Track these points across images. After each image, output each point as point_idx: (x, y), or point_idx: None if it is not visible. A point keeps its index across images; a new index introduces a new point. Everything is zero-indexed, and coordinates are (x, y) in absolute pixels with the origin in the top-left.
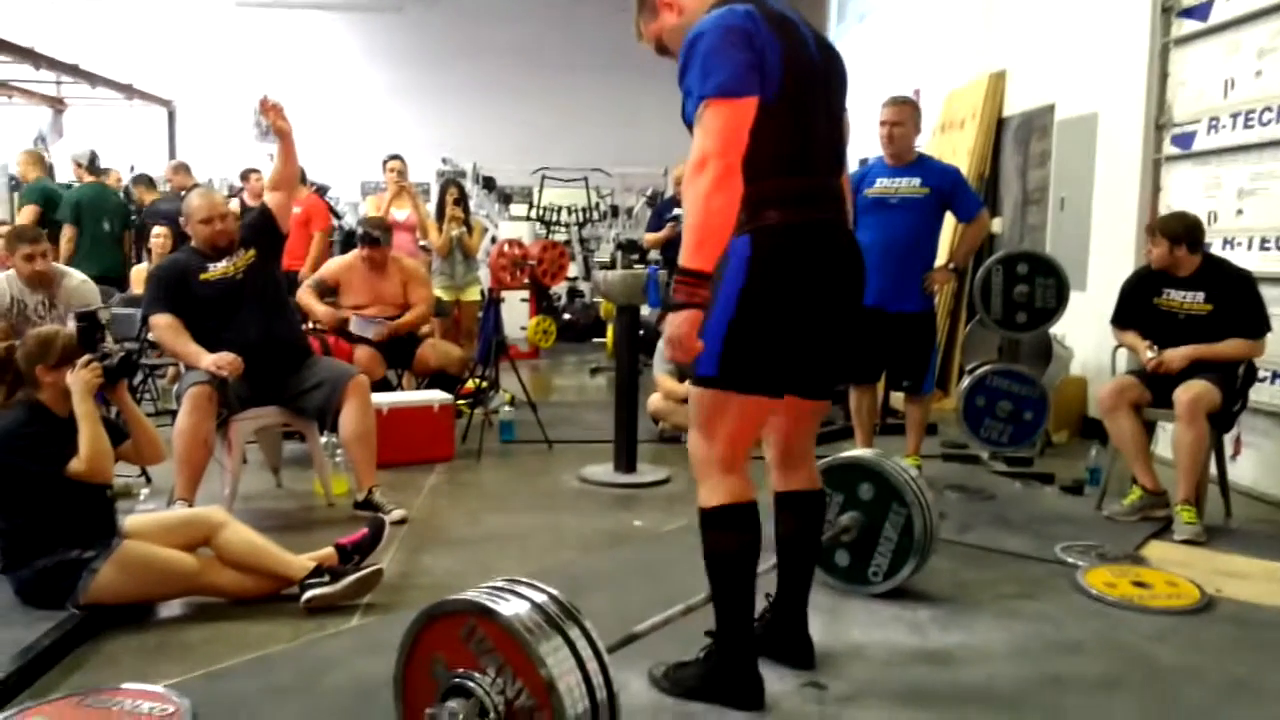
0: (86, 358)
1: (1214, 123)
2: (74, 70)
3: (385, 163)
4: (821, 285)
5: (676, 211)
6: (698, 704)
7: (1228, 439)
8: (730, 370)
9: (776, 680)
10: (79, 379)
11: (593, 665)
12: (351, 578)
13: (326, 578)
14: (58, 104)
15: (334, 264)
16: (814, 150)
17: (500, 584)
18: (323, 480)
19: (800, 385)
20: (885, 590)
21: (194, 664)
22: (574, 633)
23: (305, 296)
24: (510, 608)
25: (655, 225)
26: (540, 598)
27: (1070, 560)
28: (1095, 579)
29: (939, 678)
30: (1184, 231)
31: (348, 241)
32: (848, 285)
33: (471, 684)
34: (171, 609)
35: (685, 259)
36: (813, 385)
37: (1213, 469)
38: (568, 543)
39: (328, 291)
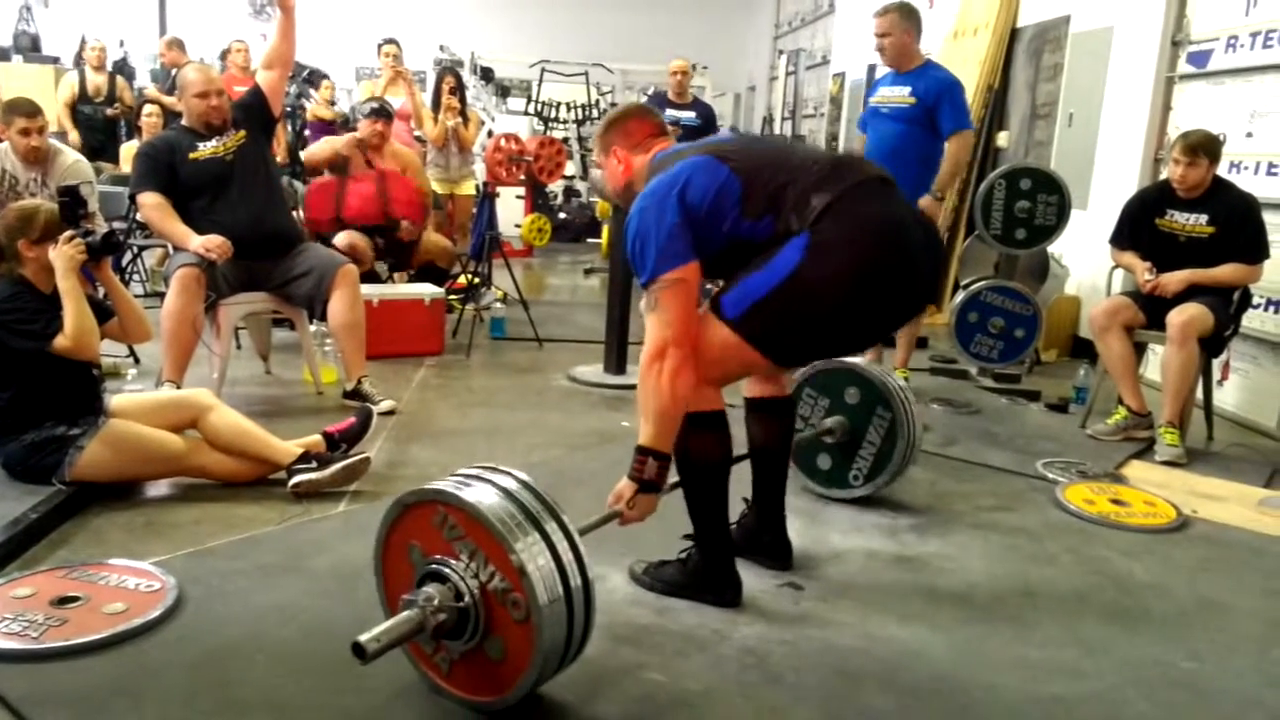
0: (69, 233)
1: (1233, 41)
2: None
3: (380, 47)
4: (887, 258)
5: (670, 114)
6: (676, 600)
7: (1216, 364)
8: (750, 325)
9: (754, 580)
10: (62, 254)
11: (563, 545)
12: (338, 465)
13: (314, 464)
14: None
15: (336, 140)
16: (804, 153)
17: (471, 471)
18: (311, 368)
19: (825, 356)
20: (864, 494)
21: (180, 543)
22: (542, 515)
23: (325, 147)
24: (478, 494)
25: None
26: (510, 483)
27: (1051, 476)
28: (1074, 495)
29: (914, 582)
30: (1218, 149)
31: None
32: (917, 253)
33: (446, 569)
34: (159, 489)
35: (654, 441)
36: (839, 354)
37: (1199, 393)
38: (554, 440)
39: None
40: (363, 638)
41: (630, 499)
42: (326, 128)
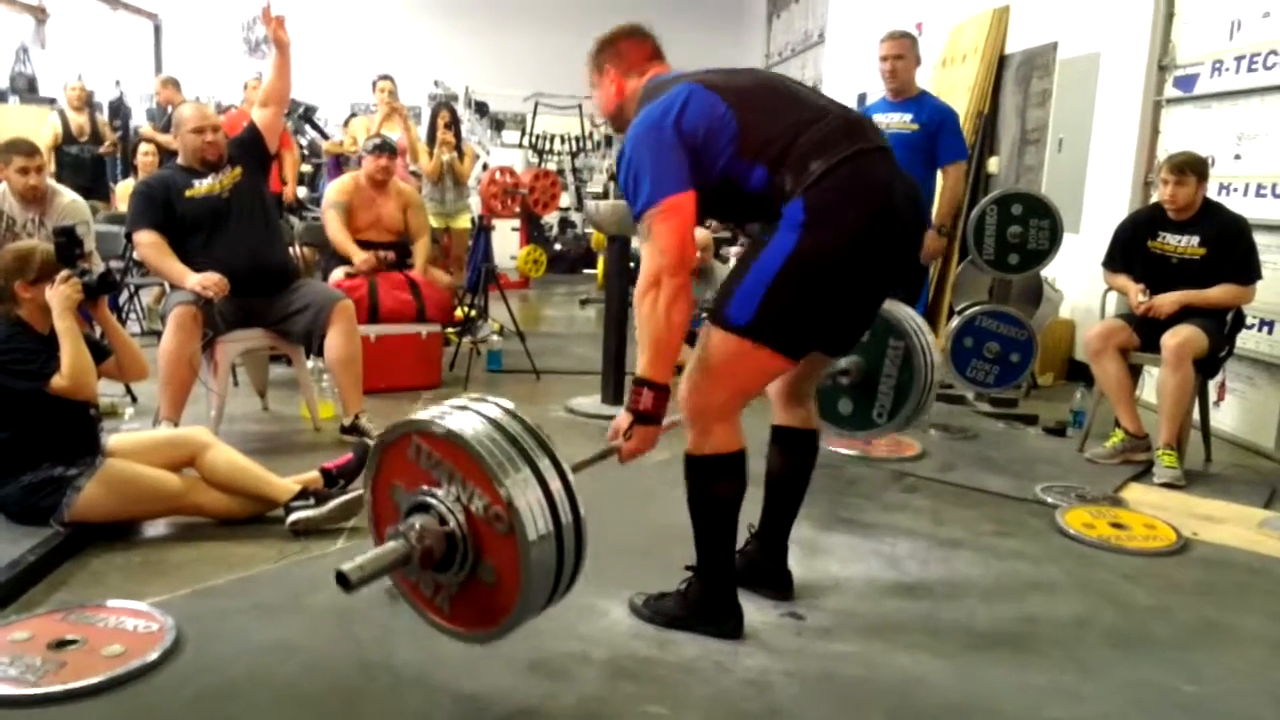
0: (65, 273)
1: (1218, 65)
2: None
3: (375, 83)
4: (879, 230)
5: None
6: (678, 632)
7: (1212, 385)
8: (762, 324)
9: (755, 611)
10: (59, 294)
11: (536, 452)
12: (336, 501)
13: (311, 501)
14: (39, 13)
15: (340, 186)
16: (809, 101)
17: (444, 404)
18: (309, 404)
19: (831, 346)
20: (892, 429)
21: (179, 583)
22: (523, 436)
23: (339, 233)
24: (445, 416)
25: None
26: (482, 406)
27: (1050, 501)
28: (1074, 519)
29: (915, 610)
30: (1205, 168)
31: (335, 166)
32: (905, 226)
33: (428, 499)
34: (157, 528)
35: (650, 371)
36: (843, 345)
37: (1196, 414)
38: None
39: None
40: (345, 566)
41: (627, 430)
42: (340, 166)
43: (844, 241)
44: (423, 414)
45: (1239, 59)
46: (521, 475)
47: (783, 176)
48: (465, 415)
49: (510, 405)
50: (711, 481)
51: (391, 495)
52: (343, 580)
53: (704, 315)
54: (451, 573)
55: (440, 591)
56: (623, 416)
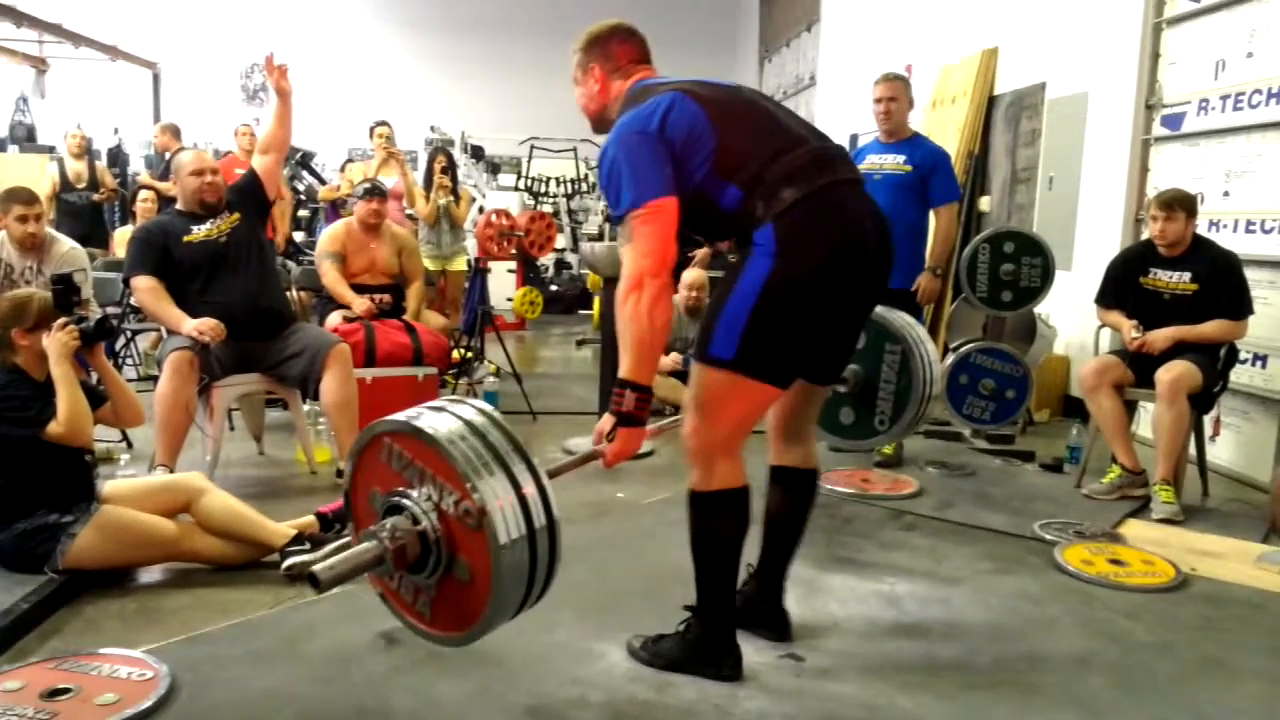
0: (62, 320)
1: (1204, 104)
2: (57, 30)
3: (372, 129)
4: (847, 261)
5: None
6: (677, 675)
7: (1207, 420)
8: (748, 356)
9: (754, 652)
10: (55, 342)
11: (510, 455)
12: (332, 546)
13: (307, 545)
14: (40, 64)
15: (332, 233)
16: (787, 127)
17: (420, 406)
18: (305, 448)
19: (814, 373)
20: (895, 437)
21: (173, 629)
22: (487, 428)
23: (335, 283)
24: (417, 417)
25: None
26: (458, 408)
27: (1048, 537)
28: (1072, 556)
29: (915, 650)
30: (1193, 204)
31: (332, 211)
32: (873, 258)
33: (402, 500)
34: (151, 575)
35: (632, 373)
36: (825, 372)
37: (1192, 449)
38: None
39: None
40: (316, 567)
41: (610, 432)
42: (337, 211)
43: (815, 270)
44: (396, 415)
45: (1224, 98)
46: (493, 477)
47: (755, 201)
48: (439, 416)
49: (487, 407)
50: (716, 518)
51: (370, 503)
52: (313, 580)
53: (692, 354)
54: (427, 573)
55: (420, 596)
56: (605, 419)
